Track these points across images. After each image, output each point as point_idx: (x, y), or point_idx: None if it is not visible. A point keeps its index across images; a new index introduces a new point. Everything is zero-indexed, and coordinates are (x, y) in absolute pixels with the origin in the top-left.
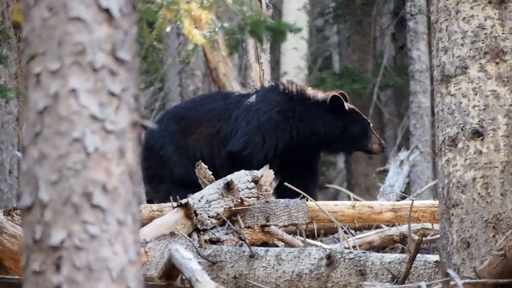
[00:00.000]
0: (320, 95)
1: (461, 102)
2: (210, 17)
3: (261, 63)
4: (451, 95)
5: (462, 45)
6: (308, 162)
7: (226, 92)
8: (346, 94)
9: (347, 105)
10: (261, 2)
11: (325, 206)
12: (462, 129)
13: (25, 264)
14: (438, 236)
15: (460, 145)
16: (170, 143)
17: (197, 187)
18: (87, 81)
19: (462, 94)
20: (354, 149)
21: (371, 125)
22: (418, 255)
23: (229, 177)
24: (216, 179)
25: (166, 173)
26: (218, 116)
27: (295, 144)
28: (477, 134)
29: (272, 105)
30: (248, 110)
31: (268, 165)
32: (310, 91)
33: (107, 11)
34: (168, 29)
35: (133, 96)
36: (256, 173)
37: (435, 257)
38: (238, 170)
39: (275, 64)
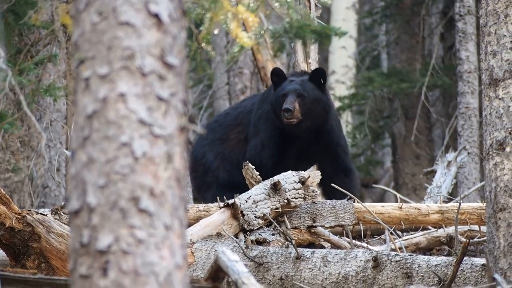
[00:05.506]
0: None
1: (509, 106)
2: (257, 20)
3: (310, 62)
4: (499, 98)
5: (511, 48)
6: (322, 147)
7: (257, 93)
8: (323, 69)
9: (291, 79)
10: (309, 2)
11: (371, 207)
12: (510, 133)
13: (72, 267)
14: (485, 238)
15: (508, 149)
16: (210, 150)
17: (242, 190)
18: (136, 86)
19: (511, 98)
20: (278, 121)
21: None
22: (465, 258)
23: (276, 178)
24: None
25: (210, 179)
26: (245, 119)
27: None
28: None
29: (267, 99)
30: (254, 109)
31: (315, 166)
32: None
33: (156, 16)
34: (216, 31)
35: (181, 100)
36: (303, 173)
37: (481, 260)
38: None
39: (324, 62)
